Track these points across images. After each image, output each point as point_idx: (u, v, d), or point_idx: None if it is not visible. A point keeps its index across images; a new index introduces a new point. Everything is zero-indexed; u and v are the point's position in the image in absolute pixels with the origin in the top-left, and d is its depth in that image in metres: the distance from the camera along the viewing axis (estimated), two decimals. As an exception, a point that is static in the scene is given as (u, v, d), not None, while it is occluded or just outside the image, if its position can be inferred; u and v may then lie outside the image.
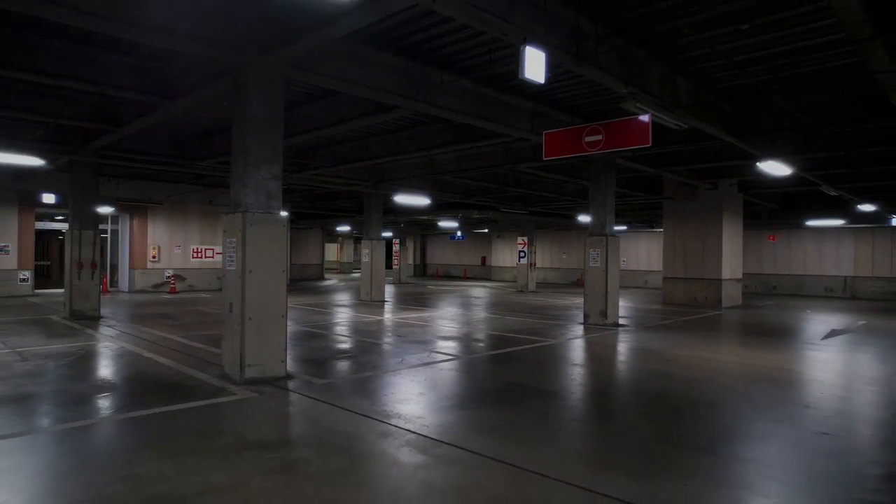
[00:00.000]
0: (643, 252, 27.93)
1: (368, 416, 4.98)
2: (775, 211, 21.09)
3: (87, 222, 11.74)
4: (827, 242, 22.09)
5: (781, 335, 10.93)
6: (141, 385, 6.07)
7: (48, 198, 15.01)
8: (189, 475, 3.62)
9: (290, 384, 6.08)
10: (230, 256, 6.20)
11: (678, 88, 8.26)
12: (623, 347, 9.34)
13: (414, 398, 5.71)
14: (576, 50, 6.05)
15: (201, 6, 5.71)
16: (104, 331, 10.02)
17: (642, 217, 24.41)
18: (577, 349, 9.20)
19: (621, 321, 12.32)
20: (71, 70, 7.14)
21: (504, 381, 6.69)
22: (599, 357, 8.69)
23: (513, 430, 4.74)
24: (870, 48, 5.73)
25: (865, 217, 18.80)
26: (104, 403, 5.37)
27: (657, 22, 6.02)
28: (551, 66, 5.83)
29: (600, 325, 11.61)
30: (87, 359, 7.56)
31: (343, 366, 7.44)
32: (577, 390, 6.42)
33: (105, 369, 7.04)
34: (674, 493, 3.47)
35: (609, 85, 7.03)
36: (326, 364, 7.46)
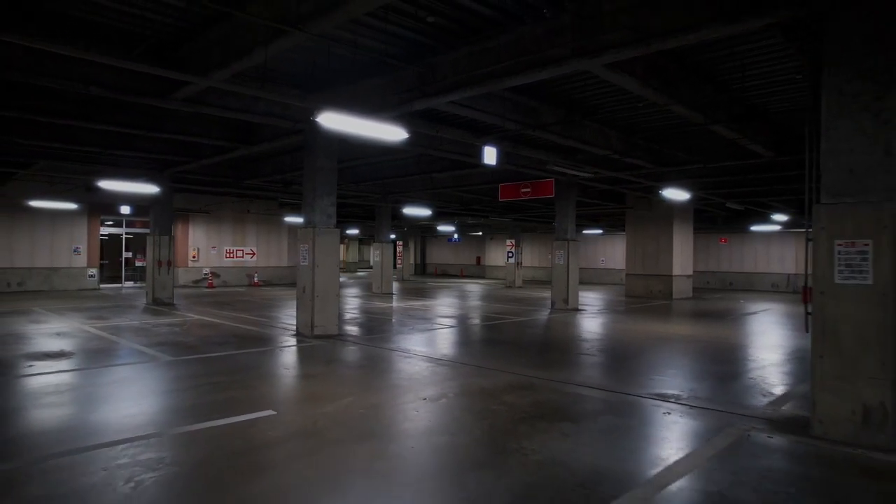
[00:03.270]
0: (619, 253, 31.20)
1: (396, 351, 8.37)
2: (729, 217, 24.49)
3: (165, 230, 15.12)
4: (773, 244, 25.53)
5: (702, 316, 14.32)
6: (246, 338, 9.44)
7: (125, 209, 18.35)
8: (309, 368, 7.01)
9: (343, 338, 9.44)
10: (303, 256, 9.55)
11: (609, 136, 11.64)
12: (574, 322, 12.71)
13: (423, 344, 9.10)
14: (532, 124, 9.42)
15: (286, 99, 9.05)
16: (186, 312, 13.37)
17: (617, 222, 27.79)
18: (540, 323, 12.58)
19: (581, 307, 15.71)
20: (183, 129, 10.49)
21: (483, 337, 10.09)
22: (553, 327, 12.07)
23: (485, 355, 8.13)
24: (710, 127, 9.13)
25: (801, 223, 22.20)
26: (232, 345, 8.71)
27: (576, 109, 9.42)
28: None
29: (563, 310, 14.99)
30: (195, 326, 10.92)
31: (373, 330, 10.80)
32: (530, 341, 9.80)
33: (213, 331, 10.36)
34: (557, 374, 6.84)
35: (557, 142, 10.42)
36: (362, 329, 10.83)
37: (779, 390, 6.23)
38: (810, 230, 4.63)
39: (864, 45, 4.27)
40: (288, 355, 8.06)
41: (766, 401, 5.72)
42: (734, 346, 9.51)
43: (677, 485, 3.58)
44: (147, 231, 21.48)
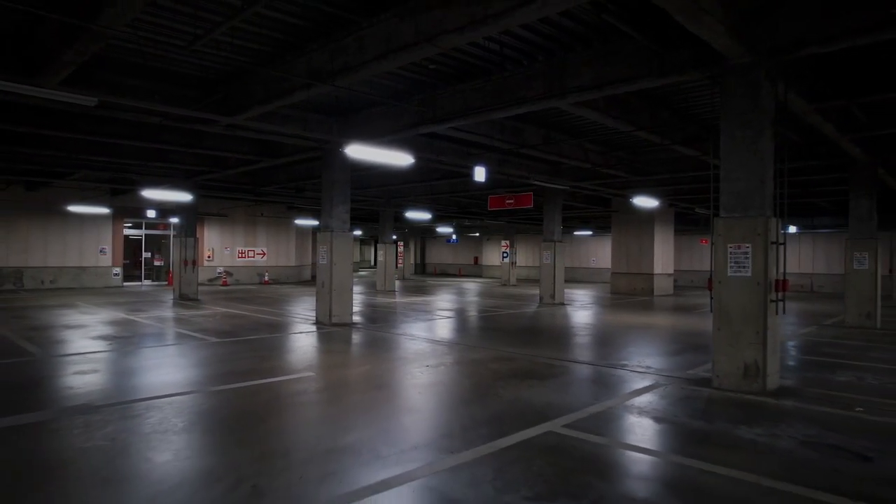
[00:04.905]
0: (609, 253, 32.83)
1: (402, 335, 9.98)
2: (710, 220, 26.08)
3: (190, 232, 16.71)
4: (751, 245, 27.12)
5: (676, 310, 15.93)
6: (273, 326, 11.04)
7: (150, 213, 19.96)
8: (331, 346, 8.62)
9: (356, 326, 11.05)
10: (322, 256, 11.15)
11: (587, 150, 13.26)
12: (557, 314, 14.32)
13: (424, 330, 10.71)
14: (518, 143, 11.03)
15: (323, 136, 10.65)
16: (211, 306, 14.96)
17: (607, 224, 29.41)
18: (527, 315, 14.19)
19: (567, 302, 17.32)
20: (218, 146, 12.10)
21: (476, 325, 11.72)
22: (538, 318, 13.68)
23: (477, 338, 9.75)
24: (673, 146, 10.75)
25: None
26: (264, 331, 10.30)
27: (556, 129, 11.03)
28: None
29: (550, 304, 16.61)
30: (225, 317, 12.51)
31: (381, 319, 12.41)
32: (516, 328, 11.42)
33: (243, 321, 11.94)
34: (534, 350, 8.44)
35: (541, 156, 12.03)
36: (371, 319, 12.44)
37: (708, 361, 7.84)
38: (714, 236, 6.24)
39: (746, 102, 5.88)
40: (312, 338, 9.67)
41: (693, 368, 7.34)
42: (692, 332, 11.13)
43: (604, 410, 5.19)
44: (165, 233, 23.26)
